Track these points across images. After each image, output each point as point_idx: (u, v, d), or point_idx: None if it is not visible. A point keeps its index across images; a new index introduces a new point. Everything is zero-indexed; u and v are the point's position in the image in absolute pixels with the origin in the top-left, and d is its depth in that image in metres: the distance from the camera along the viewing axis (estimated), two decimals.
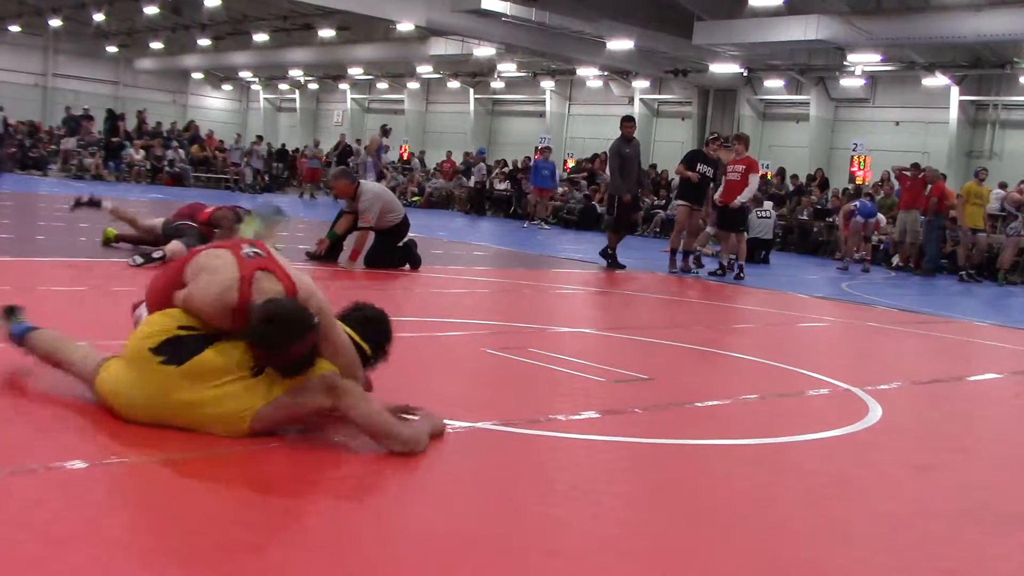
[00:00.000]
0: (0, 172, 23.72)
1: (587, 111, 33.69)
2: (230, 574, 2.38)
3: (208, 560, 2.44)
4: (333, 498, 3.06)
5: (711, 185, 13.02)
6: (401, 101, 39.57)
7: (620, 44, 24.43)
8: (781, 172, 24.49)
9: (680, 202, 13.05)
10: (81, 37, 38.70)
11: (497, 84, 35.59)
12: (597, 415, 4.43)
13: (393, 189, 22.95)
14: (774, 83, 28.13)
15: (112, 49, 40.12)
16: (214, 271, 3.54)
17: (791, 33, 21.63)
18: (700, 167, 12.77)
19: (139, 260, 8.11)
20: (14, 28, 37.27)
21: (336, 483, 3.20)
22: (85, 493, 2.83)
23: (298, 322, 3.36)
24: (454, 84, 36.77)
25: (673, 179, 23.13)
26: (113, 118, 27.74)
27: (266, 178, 29.33)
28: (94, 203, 9.44)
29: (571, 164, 29.41)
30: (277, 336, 3.31)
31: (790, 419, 4.92)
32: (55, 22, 35.08)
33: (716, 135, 13.55)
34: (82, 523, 2.61)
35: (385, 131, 21.99)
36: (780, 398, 5.37)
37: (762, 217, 16.91)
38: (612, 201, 12.91)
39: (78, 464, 3.04)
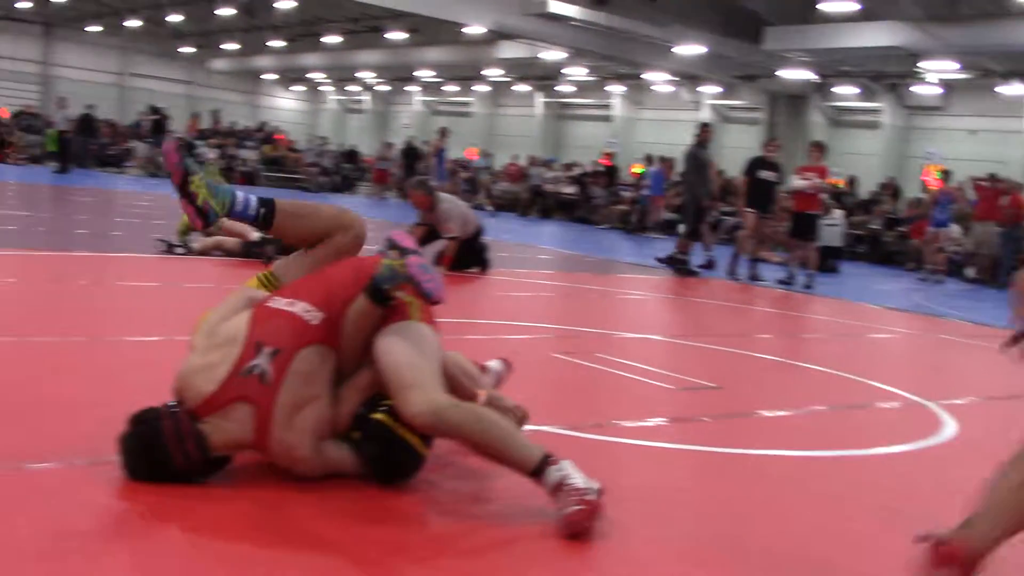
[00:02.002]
0: (82, 167, 24.37)
1: (655, 116, 33.50)
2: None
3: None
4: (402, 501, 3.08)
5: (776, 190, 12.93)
6: (469, 104, 39.74)
7: (689, 49, 24.26)
8: (852, 180, 24.12)
9: (748, 209, 12.96)
10: (157, 38, 39.46)
11: (564, 88, 35.56)
12: (664, 422, 4.40)
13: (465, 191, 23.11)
14: (846, 90, 27.71)
15: (187, 50, 40.84)
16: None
17: (864, 39, 21.28)
18: (762, 173, 12.64)
19: (165, 247, 8.49)
20: (94, 28, 38.15)
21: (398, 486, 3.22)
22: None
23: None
24: (522, 87, 36.81)
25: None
26: (155, 113, 28.29)
27: (336, 178, 29.67)
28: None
29: (638, 170, 29.29)
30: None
31: (861, 431, 4.84)
32: (133, 23, 35.81)
33: (774, 138, 13.39)
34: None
35: (444, 133, 22.06)
36: (850, 410, 5.29)
37: (830, 225, 16.67)
38: (690, 207, 12.82)
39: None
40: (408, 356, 3.10)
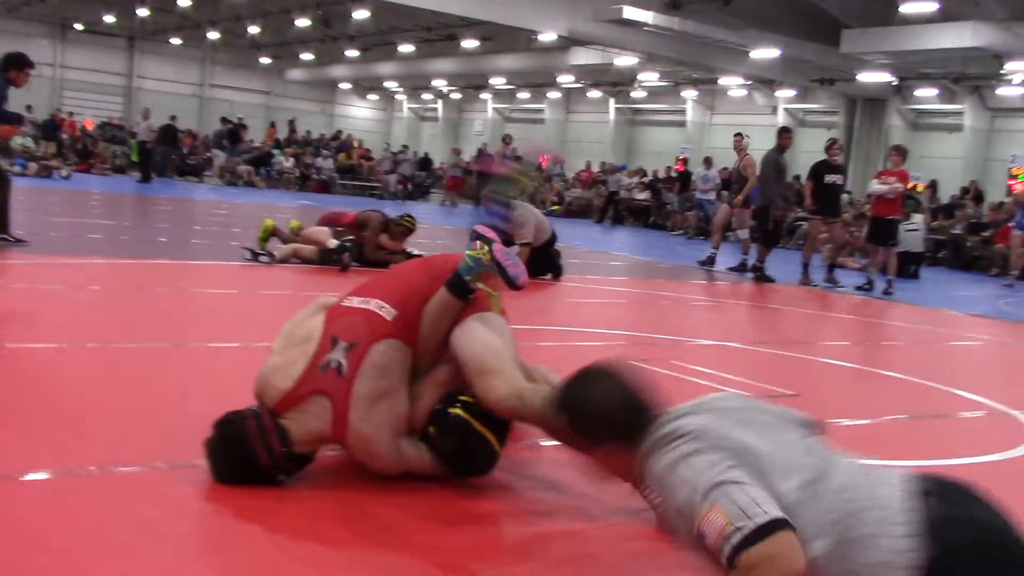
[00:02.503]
0: (163, 176, 24.95)
1: (729, 120, 33.18)
2: None
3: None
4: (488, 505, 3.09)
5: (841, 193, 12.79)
6: (541, 111, 39.79)
7: (764, 53, 24.00)
8: (933, 184, 23.62)
9: (814, 215, 12.75)
10: (236, 49, 40.25)
11: (637, 93, 35.43)
12: None
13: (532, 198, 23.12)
14: (926, 92, 27.15)
15: (265, 60, 41.59)
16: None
17: (945, 40, 20.82)
18: (828, 177, 12.48)
19: (248, 255, 8.62)
20: (175, 41, 39.07)
21: (476, 491, 3.23)
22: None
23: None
24: (594, 94, 36.77)
25: None
26: (227, 123, 28.83)
27: (409, 186, 29.95)
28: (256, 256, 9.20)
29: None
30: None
31: (943, 441, 4.73)
32: (213, 35, 36.60)
33: (835, 140, 13.16)
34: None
35: (507, 141, 22.11)
36: (932, 419, 5.18)
37: (910, 230, 16.33)
38: (766, 213, 12.68)
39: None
40: (491, 344, 3.15)
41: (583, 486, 3.05)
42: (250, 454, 2.92)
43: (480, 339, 3.14)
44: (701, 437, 2.16)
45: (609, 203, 26.22)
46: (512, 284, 3.25)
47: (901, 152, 12.59)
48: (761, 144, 13.37)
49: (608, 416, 2.32)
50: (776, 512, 1.98)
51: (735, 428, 2.20)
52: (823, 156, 12.70)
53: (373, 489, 3.02)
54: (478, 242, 3.24)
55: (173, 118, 27.53)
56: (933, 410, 5.42)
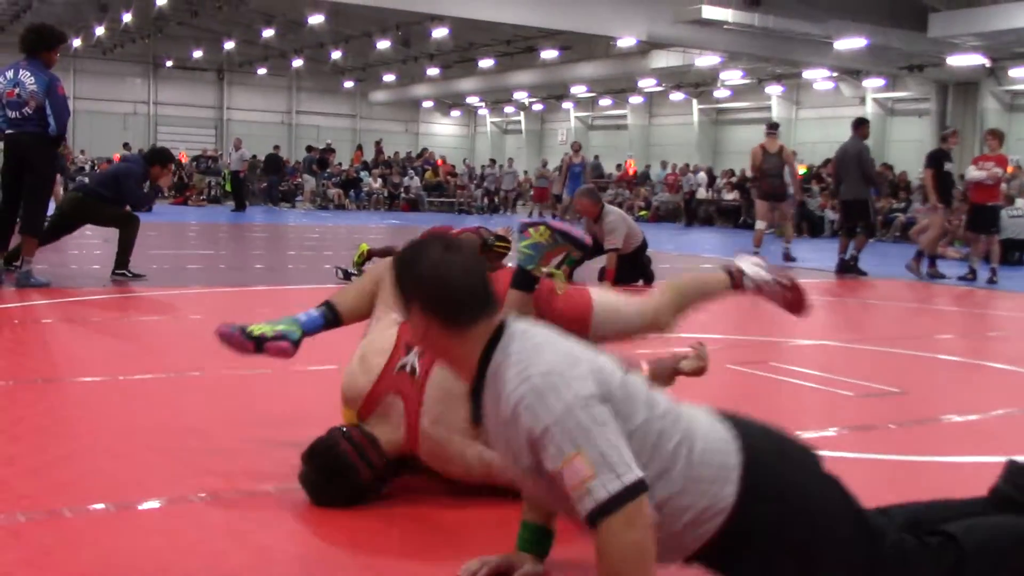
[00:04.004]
0: (272, 203, 25.54)
1: (816, 114, 32.64)
2: None
3: None
4: None
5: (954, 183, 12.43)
6: (624, 116, 39.65)
7: (849, 43, 23.52)
8: None
9: (941, 205, 12.33)
10: (321, 75, 41.05)
11: (721, 93, 35.08)
12: (847, 431, 4.27)
13: (619, 204, 23.06)
14: (1022, 72, 26.30)
15: (349, 84, 42.30)
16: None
17: None
18: (947, 166, 12.18)
19: (340, 275, 8.76)
20: (262, 71, 40.01)
21: None
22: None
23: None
24: (677, 96, 36.51)
25: (914, 181, 22.05)
26: (313, 150, 29.43)
27: (495, 200, 30.12)
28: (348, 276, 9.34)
29: (802, 170, 28.57)
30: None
31: None
32: (297, 62, 37.38)
33: (954, 130, 12.82)
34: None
35: (576, 148, 22.05)
36: None
37: (1015, 216, 15.82)
38: (864, 206, 12.41)
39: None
40: (605, 298, 3.54)
41: None
42: (351, 473, 2.95)
43: (604, 298, 3.49)
44: (558, 351, 2.10)
45: (688, 204, 26.12)
46: (581, 245, 3.37)
47: (997, 136, 12.21)
48: (844, 136, 13.05)
49: (437, 281, 2.20)
50: (638, 471, 1.98)
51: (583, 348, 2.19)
52: (921, 145, 12.43)
53: (450, 506, 3.03)
54: (529, 230, 3.29)
55: (276, 148, 28.29)
56: None
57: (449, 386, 2.99)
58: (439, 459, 3.07)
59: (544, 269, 3.26)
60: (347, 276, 9.15)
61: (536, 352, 2.09)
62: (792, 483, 2.20)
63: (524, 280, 3.24)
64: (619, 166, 33.17)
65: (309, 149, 30.18)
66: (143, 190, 8.85)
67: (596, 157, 34.37)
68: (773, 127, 13.81)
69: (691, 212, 26.09)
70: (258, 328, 3.38)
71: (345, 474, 2.96)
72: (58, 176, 16.10)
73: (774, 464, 2.22)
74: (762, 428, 2.35)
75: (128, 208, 8.79)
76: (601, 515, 1.96)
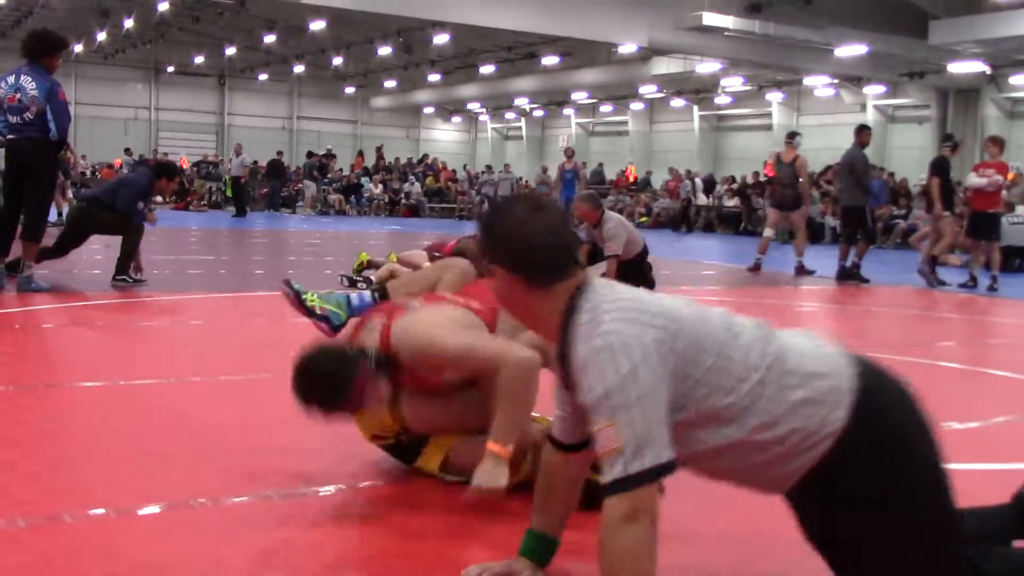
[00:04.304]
0: (273, 209, 25.57)
1: (816, 121, 32.66)
2: None
3: None
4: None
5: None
6: (625, 123, 39.69)
7: (850, 50, 23.56)
8: None
9: (947, 213, 12.32)
10: (322, 81, 41.09)
11: (721, 99, 35.11)
12: None
13: (620, 211, 23.06)
14: (1023, 79, 26.33)
15: (350, 90, 42.34)
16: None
17: None
18: (951, 174, 12.24)
19: (345, 282, 8.76)
20: (263, 77, 40.06)
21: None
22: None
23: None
24: (678, 102, 36.55)
25: (914, 188, 22.06)
26: (312, 156, 29.51)
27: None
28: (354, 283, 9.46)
29: None
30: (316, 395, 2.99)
31: None
32: (299, 68, 37.43)
33: (959, 139, 12.86)
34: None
35: (569, 155, 22.06)
36: None
37: (1015, 223, 15.82)
38: (860, 212, 12.42)
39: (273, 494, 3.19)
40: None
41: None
42: (349, 369, 2.95)
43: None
44: (629, 309, 2.13)
45: (685, 211, 26.21)
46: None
47: (998, 143, 12.23)
48: (847, 143, 13.08)
49: (522, 242, 2.22)
50: (665, 455, 2.03)
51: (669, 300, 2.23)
52: (922, 152, 12.45)
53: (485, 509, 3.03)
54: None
55: (280, 153, 28.33)
56: None
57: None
58: (412, 349, 3.01)
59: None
60: (352, 284, 9.15)
61: (607, 311, 2.12)
62: (903, 423, 2.18)
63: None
64: (620, 172, 33.09)
65: (309, 155, 30.23)
66: (140, 202, 8.82)
67: (600, 164, 34.45)
68: (791, 136, 13.78)
69: (688, 218, 26.14)
70: (311, 299, 3.57)
71: (340, 367, 2.96)
72: (64, 181, 16.16)
73: (891, 399, 2.20)
74: (883, 367, 2.31)
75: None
76: (613, 490, 2.03)
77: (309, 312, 3.54)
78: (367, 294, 3.60)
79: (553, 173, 28.11)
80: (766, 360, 2.15)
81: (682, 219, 26.12)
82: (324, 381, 2.95)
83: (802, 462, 2.12)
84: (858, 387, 2.14)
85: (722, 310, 2.28)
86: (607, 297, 2.16)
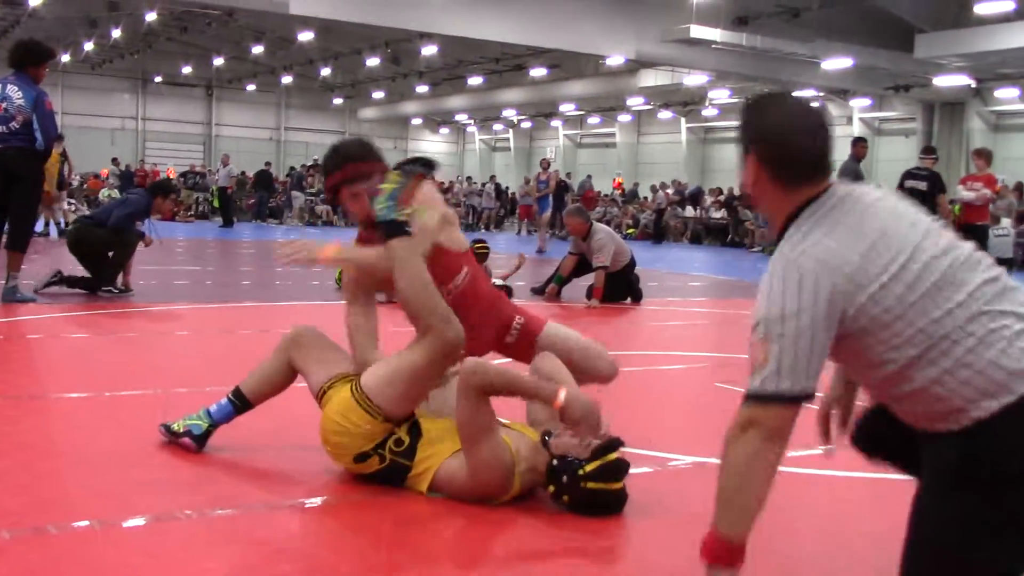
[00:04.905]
0: (260, 220, 25.52)
1: None
2: None
3: None
4: (562, 539, 3.07)
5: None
6: (612, 134, 39.79)
7: (836, 63, 23.69)
8: (1019, 187, 22.98)
9: None
10: (309, 92, 41.11)
11: (709, 111, 35.24)
12: (839, 449, 4.26)
13: (608, 222, 23.11)
14: (1007, 92, 26.52)
15: (338, 101, 42.35)
16: None
17: None
18: (908, 183, 12.31)
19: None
20: (251, 87, 40.03)
21: (559, 515, 3.21)
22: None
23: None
24: (665, 114, 36.67)
25: None
26: (294, 169, 29.59)
27: (486, 216, 30.13)
28: None
29: None
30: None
31: None
32: (286, 79, 37.43)
33: (930, 147, 12.97)
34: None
35: (545, 166, 22.08)
36: None
37: (1000, 236, 15.92)
38: None
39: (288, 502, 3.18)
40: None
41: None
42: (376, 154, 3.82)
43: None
44: (844, 235, 2.15)
45: (657, 222, 26.37)
46: (427, 162, 3.58)
47: (984, 156, 12.31)
48: (839, 156, 13.18)
49: (780, 136, 2.27)
50: (801, 388, 2.12)
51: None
52: (908, 164, 12.57)
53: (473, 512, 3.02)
54: (380, 186, 3.43)
55: (268, 164, 28.33)
56: None
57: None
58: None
59: (407, 211, 3.33)
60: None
61: (814, 240, 2.16)
62: None
63: (395, 229, 3.31)
64: (582, 184, 31.90)
65: (290, 171, 30.30)
66: (136, 221, 8.83)
67: (588, 176, 34.50)
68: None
69: (660, 230, 26.24)
70: (177, 424, 3.70)
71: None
72: (60, 194, 16.09)
73: None
74: None
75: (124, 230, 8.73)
76: (744, 401, 2.16)
77: (175, 436, 3.66)
78: (224, 400, 3.68)
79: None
80: (970, 327, 2.09)
81: (654, 230, 26.19)
82: (352, 144, 3.71)
83: (942, 424, 2.11)
84: None
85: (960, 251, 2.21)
86: (823, 225, 2.18)
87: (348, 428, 3.23)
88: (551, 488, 3.12)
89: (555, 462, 3.11)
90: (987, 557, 2.09)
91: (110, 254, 8.57)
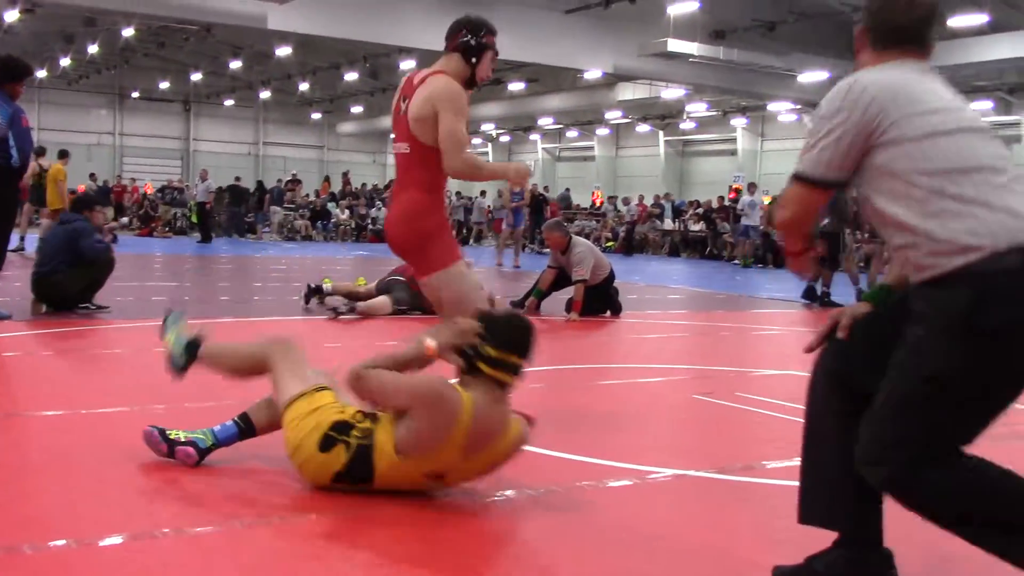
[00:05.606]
0: (228, 235, 25.41)
1: (780, 146, 33.01)
2: None
3: None
4: (540, 551, 3.07)
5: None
6: (591, 148, 39.92)
7: (812, 76, 23.88)
8: None
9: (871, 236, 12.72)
10: (288, 106, 41.04)
11: (687, 125, 35.42)
12: None
13: (587, 235, 23.16)
14: (980, 104, 26.75)
15: (316, 115, 42.30)
16: None
17: (998, 51, 20.58)
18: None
19: (342, 309, 8.70)
20: (229, 102, 39.93)
21: (540, 528, 3.22)
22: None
23: None
24: (643, 127, 36.82)
25: None
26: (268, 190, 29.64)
27: (464, 231, 30.14)
28: (318, 290, 9.68)
29: (766, 201, 28.85)
30: None
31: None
32: (265, 94, 37.36)
33: None
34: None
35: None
36: (1017, 440, 5.04)
37: None
38: (834, 239, 12.47)
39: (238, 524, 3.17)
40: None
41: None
42: None
43: None
44: (899, 86, 2.49)
45: (629, 234, 26.51)
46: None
47: None
48: None
49: (885, 5, 2.62)
50: (823, 175, 2.48)
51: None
52: None
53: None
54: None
55: (238, 179, 28.20)
56: (1018, 431, 5.28)
57: None
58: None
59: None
60: (316, 291, 9.48)
61: (872, 77, 2.50)
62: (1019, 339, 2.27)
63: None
64: (544, 197, 31.45)
65: (261, 187, 30.29)
66: (98, 239, 8.71)
67: (567, 190, 34.61)
68: None
69: (631, 242, 26.37)
70: (174, 432, 3.70)
71: None
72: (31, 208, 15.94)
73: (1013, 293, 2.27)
74: None
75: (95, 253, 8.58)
76: (791, 178, 2.56)
77: (171, 445, 3.66)
78: (230, 423, 3.70)
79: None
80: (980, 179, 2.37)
81: (625, 243, 26.31)
82: None
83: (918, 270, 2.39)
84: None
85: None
86: (876, 71, 2.53)
87: (297, 420, 3.40)
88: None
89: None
90: (979, 405, 2.33)
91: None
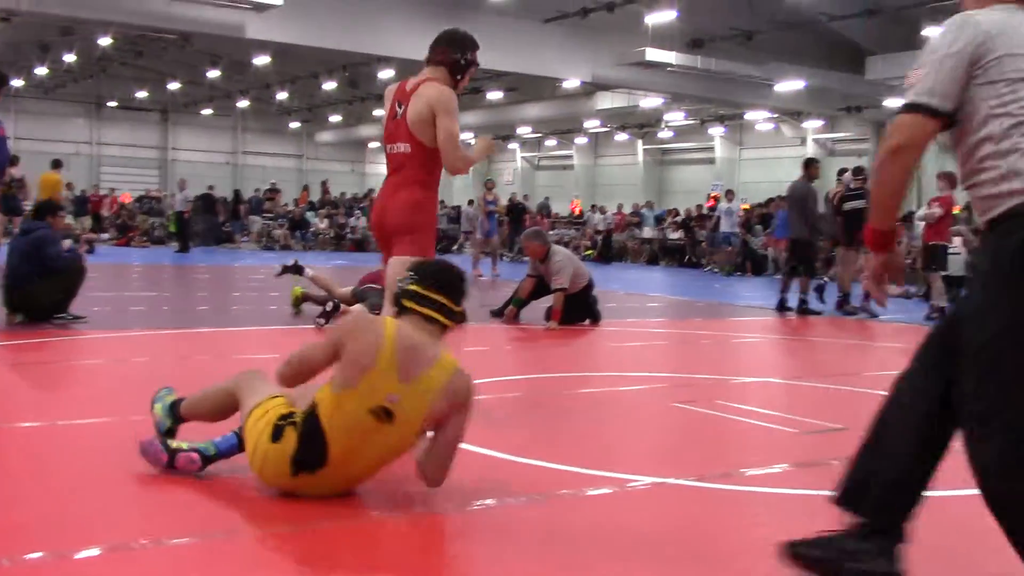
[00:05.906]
0: (205, 245, 25.29)
1: (758, 155, 33.19)
2: None
3: None
4: (521, 560, 3.08)
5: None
6: (570, 157, 40.01)
7: (789, 85, 24.04)
8: (969, 207, 23.40)
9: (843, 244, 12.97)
10: (266, 116, 40.92)
11: (665, 133, 35.56)
12: (793, 468, 4.31)
13: (567, 244, 23.19)
14: None
15: (295, 125, 42.20)
16: None
17: None
18: (848, 204, 12.64)
19: (321, 322, 8.59)
20: (206, 112, 39.79)
21: (520, 537, 3.22)
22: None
23: None
24: (622, 136, 36.94)
25: None
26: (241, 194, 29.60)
27: (442, 240, 30.15)
28: (298, 269, 9.93)
29: (743, 208, 29.00)
30: None
31: None
32: (243, 103, 37.24)
33: (860, 167, 13.32)
34: None
35: (488, 187, 22.13)
36: None
37: (952, 253, 16.14)
38: (806, 246, 12.54)
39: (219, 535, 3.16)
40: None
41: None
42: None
43: None
44: (984, 25, 2.64)
45: (606, 242, 26.63)
46: None
47: (946, 178, 12.48)
48: (791, 176, 13.36)
49: None
50: (934, 103, 2.62)
51: None
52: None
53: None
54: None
55: (211, 188, 28.07)
56: None
57: None
58: None
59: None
60: (293, 269, 9.71)
61: (991, 12, 2.65)
62: None
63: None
64: (522, 206, 31.28)
65: (237, 196, 30.22)
66: (63, 247, 8.58)
67: (546, 198, 34.67)
68: (840, 172, 14.14)
69: (607, 250, 26.50)
70: (176, 443, 3.70)
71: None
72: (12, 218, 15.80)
73: None
74: None
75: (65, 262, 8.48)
76: (899, 109, 2.69)
77: (172, 454, 3.64)
78: (231, 434, 3.71)
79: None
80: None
81: (601, 251, 26.41)
82: None
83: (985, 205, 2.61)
84: None
85: None
86: (961, 16, 2.68)
87: (252, 425, 3.48)
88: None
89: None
90: None
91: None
